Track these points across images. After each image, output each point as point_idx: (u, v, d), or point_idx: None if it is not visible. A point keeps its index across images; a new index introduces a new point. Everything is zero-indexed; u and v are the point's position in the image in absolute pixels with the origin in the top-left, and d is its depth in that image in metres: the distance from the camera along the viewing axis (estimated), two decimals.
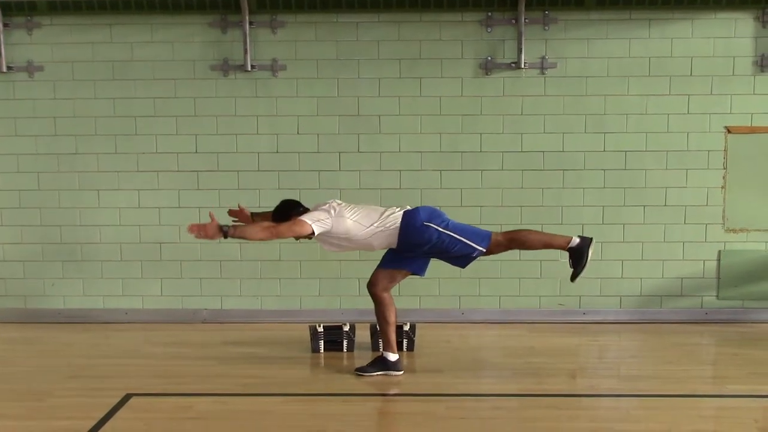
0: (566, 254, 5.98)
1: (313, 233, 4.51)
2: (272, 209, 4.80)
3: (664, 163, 5.97)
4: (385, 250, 4.82)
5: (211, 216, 4.41)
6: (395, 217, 4.63)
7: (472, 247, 4.63)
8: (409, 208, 4.72)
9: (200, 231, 4.37)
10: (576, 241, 4.64)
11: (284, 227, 4.48)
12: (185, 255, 6.11)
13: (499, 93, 5.95)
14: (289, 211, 4.69)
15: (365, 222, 4.60)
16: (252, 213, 4.97)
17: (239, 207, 4.98)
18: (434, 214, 4.66)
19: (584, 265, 4.64)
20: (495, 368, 5.01)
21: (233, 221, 4.83)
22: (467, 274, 6.00)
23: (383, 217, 4.64)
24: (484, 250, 4.66)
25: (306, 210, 4.69)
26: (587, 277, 5.98)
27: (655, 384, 4.57)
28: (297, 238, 4.61)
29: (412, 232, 4.58)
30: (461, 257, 4.71)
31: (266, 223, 4.58)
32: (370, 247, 4.70)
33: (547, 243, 4.72)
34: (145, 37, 5.95)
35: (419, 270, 4.83)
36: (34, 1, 5.84)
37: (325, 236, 4.59)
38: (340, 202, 4.74)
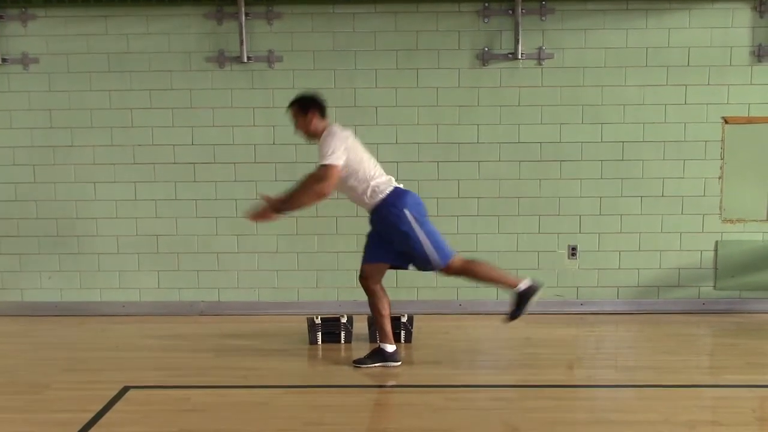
0: (564, 248, 6.08)
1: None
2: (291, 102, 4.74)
3: (662, 153, 5.97)
4: (366, 237, 4.80)
5: (265, 198, 4.49)
6: (387, 185, 4.60)
7: (432, 257, 4.57)
8: (401, 186, 4.69)
9: (258, 216, 4.50)
10: (524, 285, 4.64)
11: (327, 184, 4.44)
12: (182, 247, 6.10)
13: (496, 84, 5.94)
14: (312, 105, 4.66)
15: (369, 171, 4.57)
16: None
17: (264, 198, 4.78)
18: (417, 208, 4.61)
19: (522, 311, 4.65)
20: (493, 359, 5.02)
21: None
22: None
23: (383, 178, 4.60)
24: (442, 266, 4.63)
25: (325, 117, 4.67)
26: (584, 268, 6.05)
27: (652, 374, 4.58)
28: None
29: (389, 210, 4.55)
30: (419, 262, 4.66)
31: (307, 185, 4.50)
32: (349, 192, 4.64)
33: (498, 280, 4.70)
34: (140, 28, 5.92)
35: (403, 263, 4.79)
36: None
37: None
38: (349, 131, 4.64)
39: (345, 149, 4.50)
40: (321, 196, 4.51)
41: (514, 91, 5.94)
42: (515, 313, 4.67)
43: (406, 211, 4.54)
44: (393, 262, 4.78)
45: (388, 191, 4.59)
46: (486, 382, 4.54)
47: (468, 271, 4.68)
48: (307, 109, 4.66)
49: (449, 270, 4.67)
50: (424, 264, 4.66)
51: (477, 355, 5.09)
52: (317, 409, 4.04)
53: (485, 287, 6.03)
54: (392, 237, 4.63)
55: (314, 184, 4.48)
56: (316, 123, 4.65)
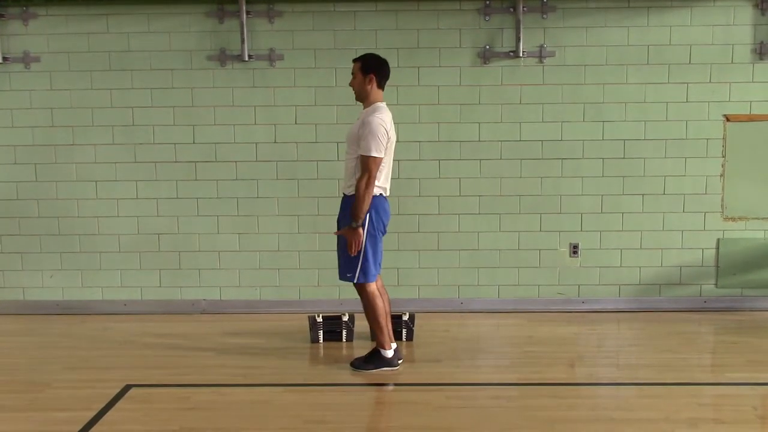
0: (565, 246, 6.07)
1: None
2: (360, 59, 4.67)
3: (663, 151, 5.96)
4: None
5: (342, 233, 4.53)
6: (379, 190, 4.56)
7: (354, 268, 4.55)
8: (384, 196, 4.63)
9: (356, 242, 4.48)
10: (389, 353, 4.64)
11: (373, 173, 4.40)
12: (183, 246, 6.11)
13: (497, 82, 5.93)
14: (376, 69, 4.61)
15: (387, 162, 4.56)
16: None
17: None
18: (382, 217, 4.58)
19: (366, 368, 4.63)
20: (494, 357, 5.02)
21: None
22: (466, 263, 6.04)
23: (379, 180, 4.56)
24: (353, 282, 4.60)
25: (382, 86, 4.65)
26: (586, 266, 6.05)
27: (653, 372, 4.58)
28: None
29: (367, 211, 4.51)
30: (342, 264, 4.63)
31: (360, 185, 4.43)
32: (349, 169, 4.58)
33: (377, 329, 4.66)
34: (141, 27, 5.92)
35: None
36: None
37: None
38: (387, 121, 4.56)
39: (385, 141, 4.46)
40: (372, 186, 4.44)
41: (515, 89, 5.94)
42: (361, 364, 4.66)
43: (371, 218, 4.51)
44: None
45: (376, 193, 4.54)
46: (487, 380, 4.54)
47: (368, 302, 4.63)
48: (370, 71, 4.59)
49: (359, 290, 4.65)
50: (344, 269, 4.62)
51: (478, 354, 5.09)
52: (318, 408, 4.05)
53: (488, 286, 6.05)
54: (341, 225, 4.63)
55: (362, 181, 4.42)
56: (371, 89, 4.59)
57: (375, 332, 4.72)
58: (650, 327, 5.62)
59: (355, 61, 4.70)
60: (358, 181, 4.44)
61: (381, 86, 4.65)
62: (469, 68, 5.93)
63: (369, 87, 4.60)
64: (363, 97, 4.64)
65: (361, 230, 4.49)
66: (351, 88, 4.72)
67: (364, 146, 4.42)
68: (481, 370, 4.77)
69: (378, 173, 4.52)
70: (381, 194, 4.59)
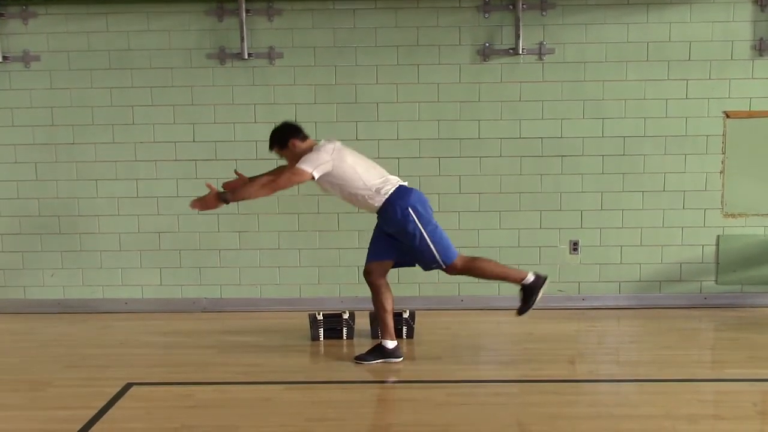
0: (565, 243, 6.08)
1: (313, 178, 4.50)
2: (269, 139, 4.73)
3: (663, 148, 5.96)
4: (373, 233, 4.82)
5: (209, 186, 4.49)
6: (391, 185, 4.61)
7: (436, 258, 4.61)
8: (406, 184, 4.70)
9: (201, 204, 4.49)
10: (531, 278, 4.69)
11: (283, 179, 4.49)
12: (184, 244, 6.11)
13: (497, 79, 5.94)
14: (288, 134, 4.65)
15: (365, 177, 4.57)
16: (250, 178, 4.85)
17: (236, 173, 4.87)
18: (422, 206, 4.62)
19: (533, 303, 4.69)
20: (494, 354, 5.03)
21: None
22: None
23: (382, 180, 4.61)
24: (444, 267, 4.65)
25: (306, 135, 4.67)
26: (586, 263, 6.05)
27: (654, 369, 4.59)
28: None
29: (395, 210, 4.56)
30: (424, 260, 4.69)
31: (264, 179, 4.60)
32: (355, 202, 4.66)
33: (503, 276, 4.75)
34: (141, 26, 5.92)
35: (409, 261, 4.80)
36: None
37: (324, 178, 4.56)
38: (340, 144, 4.65)
39: (327, 161, 4.50)
40: (271, 189, 4.52)
41: (515, 87, 5.94)
42: (524, 307, 4.72)
43: (411, 210, 4.55)
44: (398, 259, 4.79)
45: (391, 191, 4.59)
46: (488, 377, 4.55)
47: (472, 269, 4.71)
48: (286, 140, 4.65)
49: (453, 269, 4.69)
50: (428, 263, 4.68)
51: (479, 351, 5.09)
52: (319, 405, 4.05)
53: (488, 283, 6.05)
54: (398, 235, 4.65)
55: (276, 178, 4.53)
56: (300, 146, 4.63)
57: (380, 324, 4.71)
58: (650, 324, 5.62)
59: (271, 149, 4.74)
60: (275, 177, 4.55)
61: (304, 137, 4.68)
62: (469, 65, 5.93)
63: (298, 149, 4.61)
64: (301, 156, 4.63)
65: (217, 201, 4.50)
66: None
67: (301, 161, 4.50)
68: (482, 367, 4.78)
69: (373, 178, 4.58)
70: (402, 185, 4.65)
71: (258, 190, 4.52)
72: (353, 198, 4.64)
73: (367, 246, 4.85)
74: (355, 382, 4.46)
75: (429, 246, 4.58)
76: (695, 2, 5.82)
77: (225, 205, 4.55)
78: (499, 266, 4.77)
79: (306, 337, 5.29)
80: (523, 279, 4.70)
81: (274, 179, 4.56)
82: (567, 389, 4.27)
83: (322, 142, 4.67)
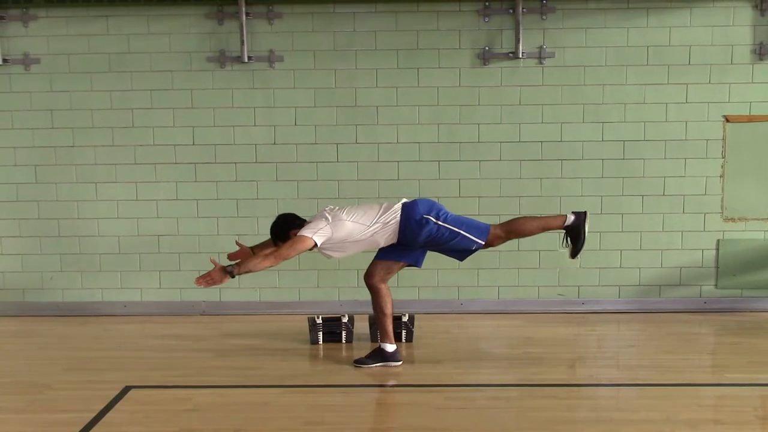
0: (565, 248, 6.05)
1: (316, 245, 4.51)
2: (270, 233, 4.77)
3: (663, 152, 5.96)
4: None
5: (213, 262, 4.51)
6: (394, 211, 4.63)
7: (471, 240, 4.63)
8: (406, 200, 4.71)
9: (207, 280, 4.47)
10: (571, 218, 4.68)
11: (285, 249, 4.48)
12: (183, 247, 6.10)
13: (497, 83, 5.94)
14: (287, 227, 4.67)
15: (365, 221, 4.59)
16: (252, 247, 4.90)
17: (238, 244, 4.92)
18: (433, 207, 4.65)
19: (583, 240, 4.67)
20: (494, 358, 5.01)
21: (235, 262, 4.69)
22: (466, 264, 5.98)
23: (382, 212, 4.63)
24: (483, 243, 4.66)
25: (303, 222, 4.67)
26: (586, 267, 6.04)
27: (654, 373, 4.58)
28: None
29: (413, 225, 4.58)
30: (460, 251, 4.73)
31: (267, 251, 4.62)
32: (376, 244, 4.69)
33: (545, 226, 4.75)
34: (141, 29, 5.93)
35: (416, 261, 4.83)
36: None
37: (328, 244, 4.56)
38: (333, 207, 4.73)
39: (324, 226, 4.51)
40: (279, 259, 4.47)
41: (514, 90, 5.94)
42: (575, 248, 4.70)
43: (425, 217, 4.57)
44: (401, 259, 4.79)
45: (399, 216, 4.60)
46: (487, 381, 4.54)
47: (512, 231, 4.73)
48: (286, 233, 4.64)
49: (495, 241, 4.70)
50: (467, 252, 4.72)
51: (478, 354, 5.08)
52: (318, 409, 4.04)
53: (487, 287, 6.05)
54: (432, 243, 4.66)
55: (279, 249, 4.50)
56: (297, 235, 4.54)
57: (380, 327, 4.73)
58: (650, 328, 5.62)
59: (274, 242, 4.73)
60: (278, 248, 4.54)
61: (299, 225, 4.63)
62: (469, 69, 5.93)
63: (299, 238, 4.51)
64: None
65: (223, 275, 4.47)
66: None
67: (300, 231, 4.50)
68: (481, 371, 4.76)
69: (366, 219, 4.58)
70: (403, 204, 4.67)
71: (262, 261, 4.47)
72: (368, 242, 4.63)
73: (366, 249, 4.85)
74: (354, 385, 4.45)
75: (460, 234, 4.60)
76: (695, 6, 5.82)
77: (230, 278, 4.50)
78: (537, 219, 4.80)
79: (305, 341, 5.28)
80: (565, 222, 4.68)
81: (277, 250, 4.52)
82: (566, 393, 4.26)
83: (319, 213, 4.70)
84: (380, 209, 4.66)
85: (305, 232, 4.50)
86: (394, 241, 4.68)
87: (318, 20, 5.91)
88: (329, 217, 4.57)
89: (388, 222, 4.60)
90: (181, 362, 4.87)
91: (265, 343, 5.30)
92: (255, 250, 4.86)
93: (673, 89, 5.90)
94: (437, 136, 5.98)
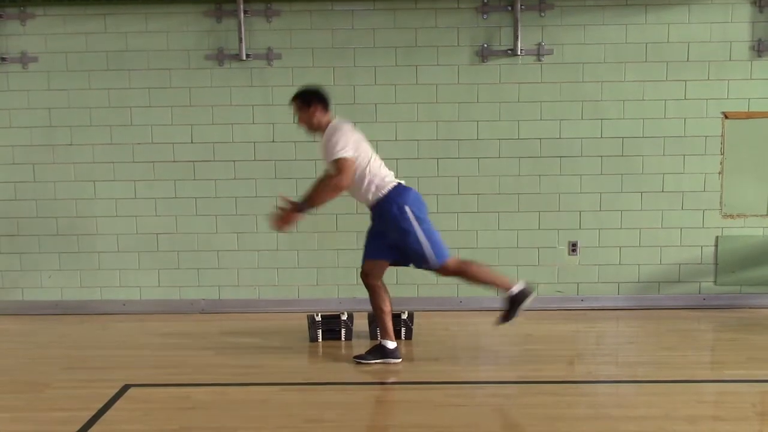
0: (564, 244, 6.08)
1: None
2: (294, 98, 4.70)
3: (662, 149, 5.96)
4: (366, 235, 4.83)
5: (284, 199, 4.52)
6: (389, 182, 4.61)
7: (429, 256, 4.59)
8: (403, 183, 4.69)
9: (285, 222, 4.52)
10: (517, 289, 4.66)
11: (343, 177, 4.44)
12: (182, 245, 6.10)
13: (495, 80, 5.93)
14: (314, 98, 4.64)
15: (373, 164, 4.58)
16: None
17: (282, 199, 4.73)
18: (419, 205, 4.62)
19: (514, 315, 4.66)
20: (493, 356, 5.02)
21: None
22: None
23: (383, 174, 4.61)
24: (438, 266, 4.63)
25: (327, 111, 4.65)
26: (585, 264, 6.05)
27: (653, 370, 4.58)
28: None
29: (391, 206, 4.55)
30: (416, 259, 4.67)
31: (323, 184, 4.53)
32: (358, 187, 4.61)
33: (492, 281, 4.72)
34: (139, 27, 5.92)
35: (404, 260, 4.78)
36: None
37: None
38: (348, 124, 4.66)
39: (354, 141, 4.52)
40: (339, 189, 4.50)
41: (513, 88, 5.94)
42: (507, 316, 4.69)
43: (407, 208, 4.55)
44: (393, 258, 4.78)
45: (389, 188, 4.59)
46: (486, 378, 4.54)
47: (463, 272, 4.70)
48: (310, 102, 4.65)
49: (445, 270, 4.68)
50: (420, 262, 4.67)
51: (477, 352, 5.09)
52: (317, 407, 4.04)
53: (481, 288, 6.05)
54: (391, 233, 4.64)
55: (331, 179, 4.49)
56: (320, 117, 4.64)
57: (380, 324, 4.70)
58: (649, 324, 5.62)
59: (292, 100, 4.72)
60: (333, 177, 4.49)
61: (327, 110, 4.68)
62: (467, 66, 5.93)
63: (317, 117, 4.63)
64: (317, 128, 4.67)
65: (298, 214, 4.52)
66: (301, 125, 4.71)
67: (331, 153, 4.48)
68: (480, 369, 4.77)
69: (377, 169, 4.56)
70: (400, 183, 4.66)
71: (329, 193, 4.49)
72: (358, 182, 4.58)
73: None
74: (353, 383, 4.45)
75: (422, 244, 4.58)
76: (694, 3, 5.82)
77: (302, 216, 4.56)
78: (490, 272, 4.75)
79: (304, 339, 5.28)
80: (509, 289, 4.67)
81: (335, 179, 4.46)
82: (566, 390, 4.26)
83: (339, 121, 4.63)
84: (383, 169, 4.63)
85: (347, 152, 4.45)
86: (367, 204, 4.65)
87: (316, 18, 5.90)
88: (356, 133, 4.56)
89: (379, 184, 4.56)
90: (181, 360, 4.87)
91: (265, 340, 5.30)
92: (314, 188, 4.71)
93: (672, 86, 5.90)
94: (436, 133, 5.98)
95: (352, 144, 4.50)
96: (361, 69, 5.93)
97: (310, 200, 4.54)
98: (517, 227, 6.06)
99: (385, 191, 4.58)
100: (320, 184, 4.59)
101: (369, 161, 4.58)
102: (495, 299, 6.02)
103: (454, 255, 4.71)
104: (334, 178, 4.47)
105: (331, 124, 4.61)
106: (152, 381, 4.49)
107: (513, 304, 4.66)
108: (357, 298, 5.83)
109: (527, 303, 4.66)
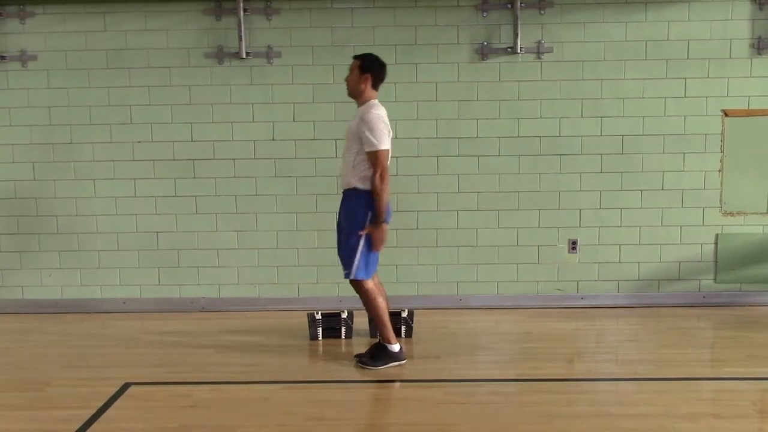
0: (564, 242, 6.08)
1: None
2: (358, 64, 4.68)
3: (661, 147, 5.96)
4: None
5: (368, 230, 4.52)
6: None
7: (355, 266, 4.56)
8: None
9: (381, 241, 4.54)
10: (394, 348, 4.65)
11: (379, 168, 4.44)
12: (182, 244, 6.10)
13: (495, 78, 5.93)
14: (372, 70, 4.64)
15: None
16: None
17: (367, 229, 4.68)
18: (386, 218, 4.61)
19: (373, 365, 4.62)
20: (493, 354, 5.02)
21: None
22: (465, 260, 6.04)
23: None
24: (352, 277, 4.60)
25: (377, 87, 4.69)
26: (585, 262, 6.05)
27: (653, 367, 4.59)
28: None
29: (360, 206, 4.54)
30: (343, 258, 4.66)
31: (374, 188, 4.49)
32: (347, 165, 4.60)
33: (381, 325, 4.68)
34: (138, 25, 5.91)
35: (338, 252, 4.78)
36: None
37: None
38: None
39: (387, 133, 4.53)
40: (383, 179, 4.47)
41: (513, 86, 5.93)
42: (368, 361, 4.66)
43: (367, 213, 4.53)
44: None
45: (369, 188, 4.56)
46: (486, 376, 4.54)
47: (369, 299, 4.65)
48: (369, 70, 4.63)
49: (357, 286, 4.66)
50: (345, 264, 4.64)
51: (477, 350, 5.09)
52: (318, 405, 4.05)
53: (487, 282, 6.06)
54: (345, 224, 4.65)
55: (374, 181, 4.47)
56: (366, 88, 4.63)
57: (379, 328, 4.71)
58: (649, 322, 5.62)
59: (355, 57, 4.72)
60: (372, 176, 4.48)
61: (375, 87, 4.69)
62: (467, 64, 5.92)
63: (363, 86, 4.63)
64: (356, 95, 4.67)
65: (385, 225, 4.55)
66: (345, 83, 4.72)
67: (369, 142, 4.46)
68: (480, 367, 4.77)
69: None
70: (366, 185, 4.60)
71: (383, 188, 4.46)
72: (357, 164, 4.54)
73: None
74: (353, 381, 4.46)
75: (356, 252, 4.55)
76: (694, 1, 5.82)
77: (384, 224, 4.56)
78: (387, 319, 4.69)
79: (304, 337, 5.29)
80: (389, 343, 4.65)
81: (377, 175, 4.46)
82: (566, 388, 4.27)
83: (378, 107, 4.61)
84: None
85: (384, 144, 4.47)
86: (347, 185, 4.62)
87: (316, 16, 5.90)
88: (387, 128, 4.57)
89: (363, 176, 4.53)
90: (181, 358, 4.88)
91: (265, 339, 5.30)
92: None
93: (672, 84, 5.90)
94: (435, 131, 5.98)
95: (386, 135, 4.52)
96: None
97: (378, 208, 4.50)
98: (516, 225, 6.06)
99: (365, 188, 4.54)
100: (374, 188, 4.50)
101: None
102: (495, 297, 6.05)
103: (371, 280, 4.67)
104: (374, 176, 4.47)
105: (372, 104, 4.60)
106: (152, 379, 4.49)
107: (382, 356, 4.64)
108: (357, 296, 5.81)
109: (391, 365, 4.63)
